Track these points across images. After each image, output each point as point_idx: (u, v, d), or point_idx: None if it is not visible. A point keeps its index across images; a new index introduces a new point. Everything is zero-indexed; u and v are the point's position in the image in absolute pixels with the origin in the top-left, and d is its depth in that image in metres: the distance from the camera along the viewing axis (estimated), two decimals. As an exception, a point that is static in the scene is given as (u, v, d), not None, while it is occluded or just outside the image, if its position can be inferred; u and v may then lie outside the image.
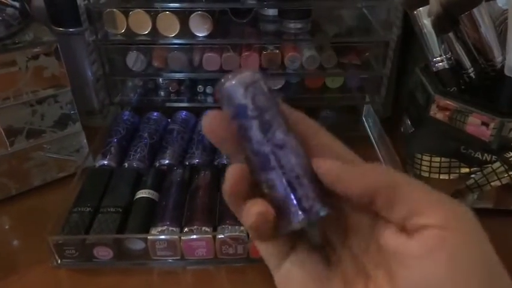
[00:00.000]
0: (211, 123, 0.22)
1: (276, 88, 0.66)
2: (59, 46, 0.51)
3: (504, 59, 0.48)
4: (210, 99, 0.65)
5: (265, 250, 0.24)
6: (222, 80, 0.22)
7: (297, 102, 0.64)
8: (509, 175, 0.46)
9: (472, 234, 0.20)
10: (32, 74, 0.50)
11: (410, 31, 0.58)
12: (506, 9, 0.51)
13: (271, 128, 0.22)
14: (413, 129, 0.57)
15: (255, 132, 0.21)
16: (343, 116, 0.65)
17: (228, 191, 0.22)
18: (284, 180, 0.21)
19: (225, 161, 0.55)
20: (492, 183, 0.46)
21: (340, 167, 0.21)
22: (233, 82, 0.22)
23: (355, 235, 0.23)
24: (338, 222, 0.23)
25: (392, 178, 0.21)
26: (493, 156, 0.46)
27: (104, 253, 0.45)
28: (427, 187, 0.21)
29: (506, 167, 0.46)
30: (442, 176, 0.49)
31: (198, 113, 0.63)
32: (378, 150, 0.60)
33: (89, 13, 0.57)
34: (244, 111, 0.22)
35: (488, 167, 0.46)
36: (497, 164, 0.45)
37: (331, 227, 0.24)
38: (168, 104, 0.65)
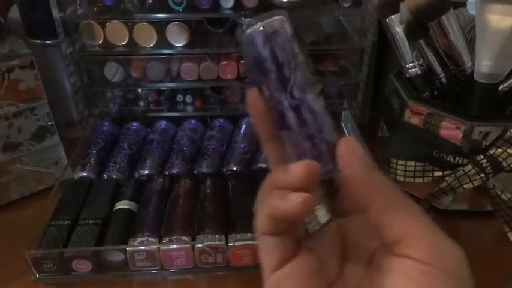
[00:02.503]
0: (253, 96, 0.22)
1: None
2: (33, 59, 0.51)
3: (473, 64, 0.49)
4: (189, 108, 0.66)
5: (272, 245, 0.23)
6: (245, 24, 0.21)
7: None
8: (480, 177, 0.47)
9: (455, 276, 0.20)
10: (7, 87, 0.50)
11: (386, 38, 0.59)
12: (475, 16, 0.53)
13: (289, 83, 0.21)
14: (389, 134, 0.58)
15: (273, 87, 0.21)
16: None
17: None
18: (301, 138, 0.21)
19: (205, 170, 0.55)
20: (465, 186, 0.48)
21: (359, 154, 0.21)
22: (254, 29, 0.21)
23: (350, 260, 0.24)
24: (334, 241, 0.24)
25: (395, 193, 0.21)
26: (465, 160, 0.48)
27: (82, 266, 0.44)
28: (423, 216, 0.21)
29: (478, 170, 0.47)
30: (417, 180, 0.50)
31: (178, 122, 0.64)
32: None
33: (65, 25, 0.56)
34: (262, 63, 0.21)
35: (460, 169, 0.47)
36: (469, 167, 0.47)
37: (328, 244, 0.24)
38: (148, 114, 0.65)
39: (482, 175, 0.46)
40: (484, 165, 0.47)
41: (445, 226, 0.21)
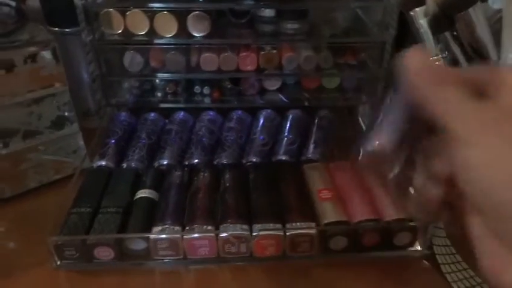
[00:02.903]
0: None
1: (273, 89, 0.66)
2: (56, 45, 0.50)
3: (499, 58, 0.49)
4: (207, 100, 0.65)
5: None
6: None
7: (294, 103, 0.65)
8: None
9: None
10: (28, 73, 0.49)
11: (406, 31, 0.59)
12: (501, 9, 0.52)
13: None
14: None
15: None
16: (340, 116, 0.65)
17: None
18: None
19: (224, 161, 0.55)
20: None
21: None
22: None
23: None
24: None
25: None
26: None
27: (104, 254, 0.44)
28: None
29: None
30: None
31: (194, 113, 0.63)
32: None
33: (86, 13, 0.56)
34: None
35: None
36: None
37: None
38: (164, 105, 0.64)
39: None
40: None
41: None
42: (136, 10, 0.57)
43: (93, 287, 0.43)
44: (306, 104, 0.65)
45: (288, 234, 0.44)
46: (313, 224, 0.45)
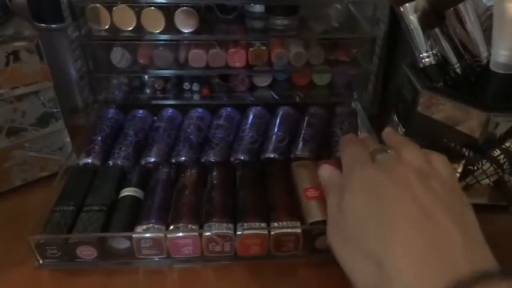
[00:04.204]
0: None
1: (263, 85, 0.65)
2: (40, 41, 0.49)
3: (489, 54, 0.48)
4: (196, 96, 0.64)
5: None
6: None
7: (285, 99, 0.64)
8: (497, 173, 0.46)
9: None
10: (12, 69, 0.49)
11: (397, 27, 0.58)
12: (491, 5, 0.52)
13: None
14: (400, 125, 0.57)
15: None
16: (331, 112, 0.64)
17: None
18: None
19: (212, 159, 0.54)
20: (482, 182, 0.47)
21: None
22: None
23: None
24: None
25: None
26: (477, 154, 0.47)
27: (87, 252, 0.43)
28: None
29: (495, 167, 0.46)
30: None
31: (184, 110, 0.63)
32: (365, 147, 0.60)
33: (72, 8, 0.55)
34: None
35: (478, 169, 0.46)
36: (487, 165, 0.45)
37: None
38: (154, 102, 0.64)
39: (500, 171, 0.45)
40: (501, 162, 0.46)
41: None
42: (123, 5, 0.56)
43: (75, 287, 0.43)
44: (297, 100, 0.64)
45: (272, 233, 0.43)
46: (298, 223, 0.44)
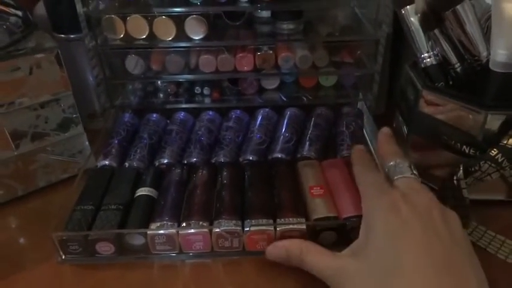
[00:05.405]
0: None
1: (271, 88, 0.68)
2: (60, 52, 0.53)
3: (489, 54, 0.49)
4: (207, 100, 0.67)
5: None
6: None
7: (293, 101, 0.66)
8: (498, 171, 0.47)
9: None
10: (35, 79, 0.52)
11: (401, 29, 0.59)
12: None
13: None
14: (405, 125, 0.58)
15: None
16: (338, 113, 0.66)
17: None
18: None
19: (222, 160, 0.57)
20: (483, 179, 0.48)
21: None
22: None
23: None
24: None
25: None
26: (479, 152, 0.48)
27: (105, 248, 0.47)
28: None
29: (495, 166, 0.46)
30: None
31: (195, 113, 0.65)
32: (371, 146, 0.61)
33: (88, 19, 0.59)
34: None
35: (477, 171, 0.47)
36: (486, 166, 0.46)
37: None
38: (167, 106, 0.67)
39: (500, 169, 0.46)
40: (499, 160, 0.46)
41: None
42: (136, 15, 0.60)
43: (95, 280, 0.46)
44: (305, 102, 0.67)
45: (278, 229, 0.46)
46: (303, 220, 0.46)
